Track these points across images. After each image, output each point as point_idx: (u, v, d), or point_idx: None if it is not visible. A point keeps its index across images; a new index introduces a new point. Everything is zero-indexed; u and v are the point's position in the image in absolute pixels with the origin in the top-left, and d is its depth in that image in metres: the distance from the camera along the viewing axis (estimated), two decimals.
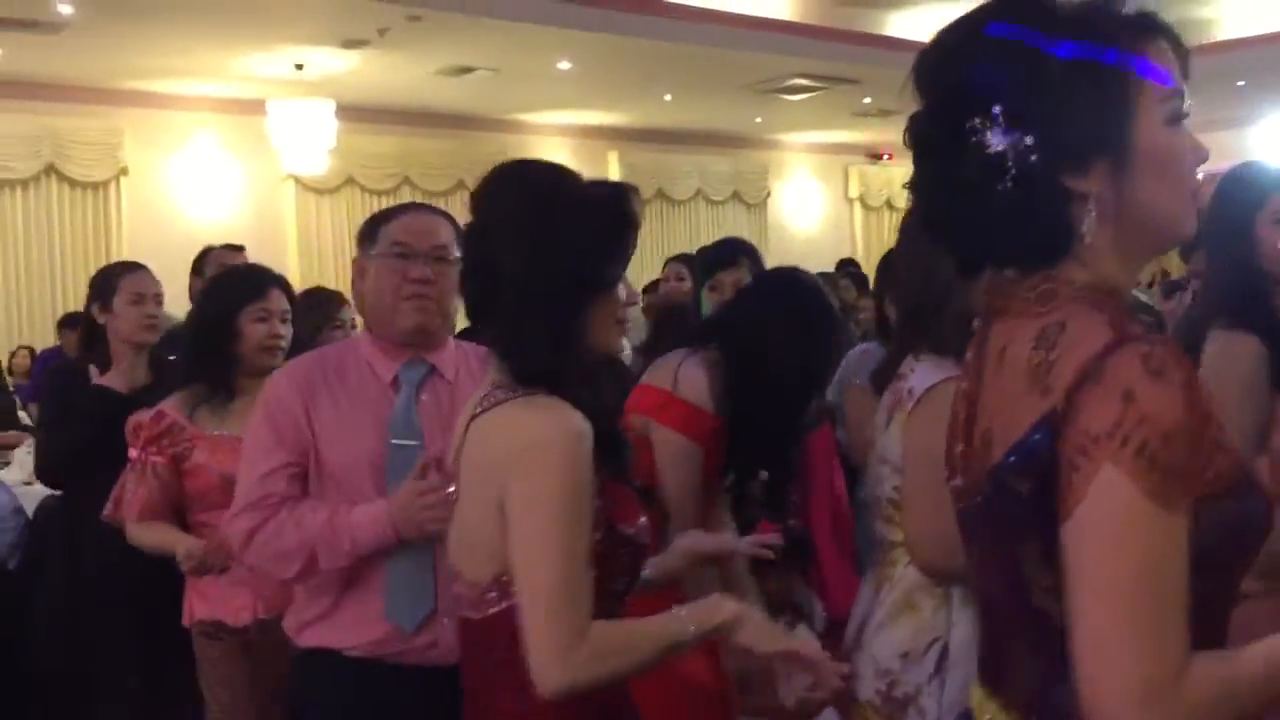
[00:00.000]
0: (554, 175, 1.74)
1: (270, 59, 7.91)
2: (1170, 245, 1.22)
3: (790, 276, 2.65)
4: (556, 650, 1.52)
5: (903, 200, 12.72)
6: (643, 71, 8.99)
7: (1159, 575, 1.03)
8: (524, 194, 1.70)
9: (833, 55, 9.21)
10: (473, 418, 1.64)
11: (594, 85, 9.36)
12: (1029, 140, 1.11)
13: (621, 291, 1.72)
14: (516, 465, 1.56)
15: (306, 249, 9.51)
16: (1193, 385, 1.05)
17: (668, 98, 10.14)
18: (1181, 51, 1.18)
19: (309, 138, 8.10)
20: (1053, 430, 1.08)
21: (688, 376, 2.41)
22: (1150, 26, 1.17)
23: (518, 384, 1.62)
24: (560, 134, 11.14)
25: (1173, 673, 1.02)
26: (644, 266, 11.10)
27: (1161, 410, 1.04)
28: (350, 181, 9.70)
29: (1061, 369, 1.09)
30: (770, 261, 3.22)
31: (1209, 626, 1.08)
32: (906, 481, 2.08)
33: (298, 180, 9.31)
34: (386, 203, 9.94)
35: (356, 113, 8.99)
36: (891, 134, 12.17)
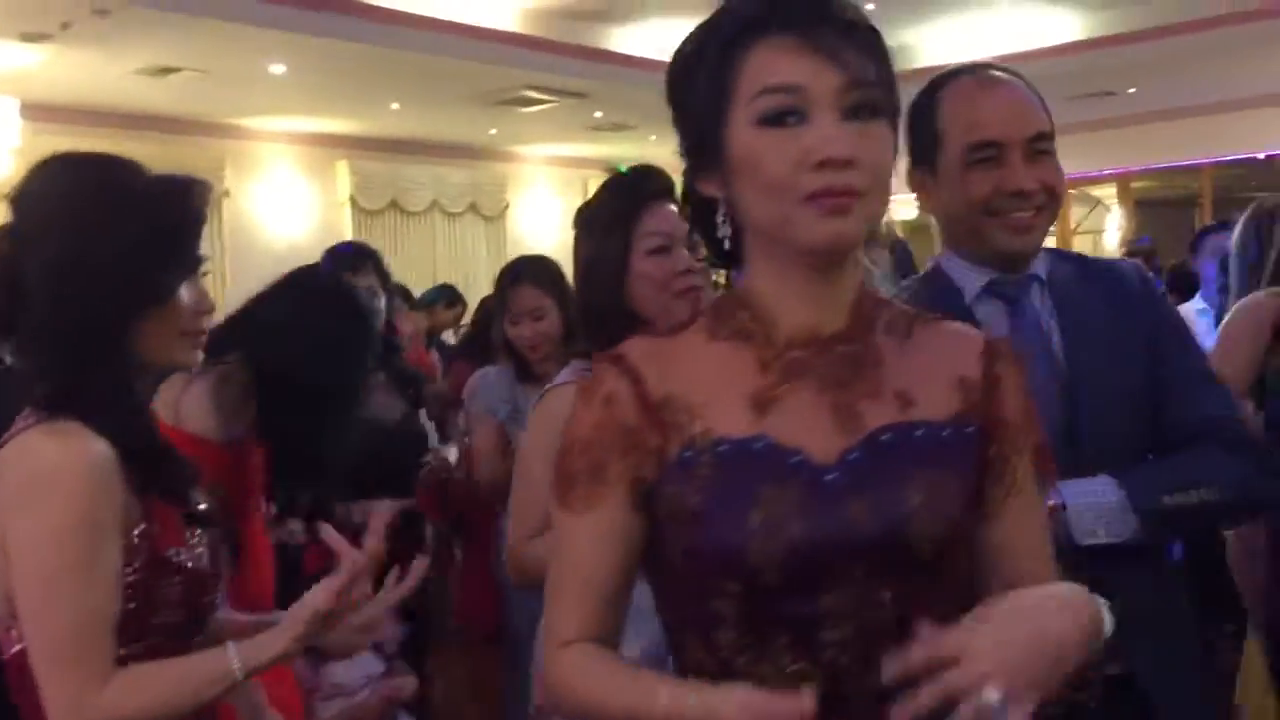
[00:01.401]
0: (100, 169, 1.55)
1: None
2: (805, 255, 1.09)
3: (319, 279, 2.47)
4: (69, 701, 1.39)
5: None
6: (364, 78, 8.72)
7: (562, 563, 1.17)
8: (62, 191, 1.52)
9: (559, 69, 9.19)
10: None
11: (313, 91, 9.02)
12: (683, 145, 1.15)
13: (184, 298, 1.56)
14: (18, 500, 1.41)
15: None
16: (610, 402, 1.11)
17: (395, 106, 9.89)
18: (819, 40, 1.05)
19: None
20: None
21: (190, 406, 2.12)
22: (764, 17, 1.07)
23: (40, 409, 1.46)
24: (285, 140, 10.70)
25: None
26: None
27: (572, 426, 1.13)
28: None
29: None
30: None
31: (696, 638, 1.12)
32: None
33: None
34: None
35: (47, 112, 8.33)
36: (627, 148, 12.34)
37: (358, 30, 7.78)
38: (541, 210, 13.38)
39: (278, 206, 10.66)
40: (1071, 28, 10.08)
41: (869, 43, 1.08)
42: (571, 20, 9.33)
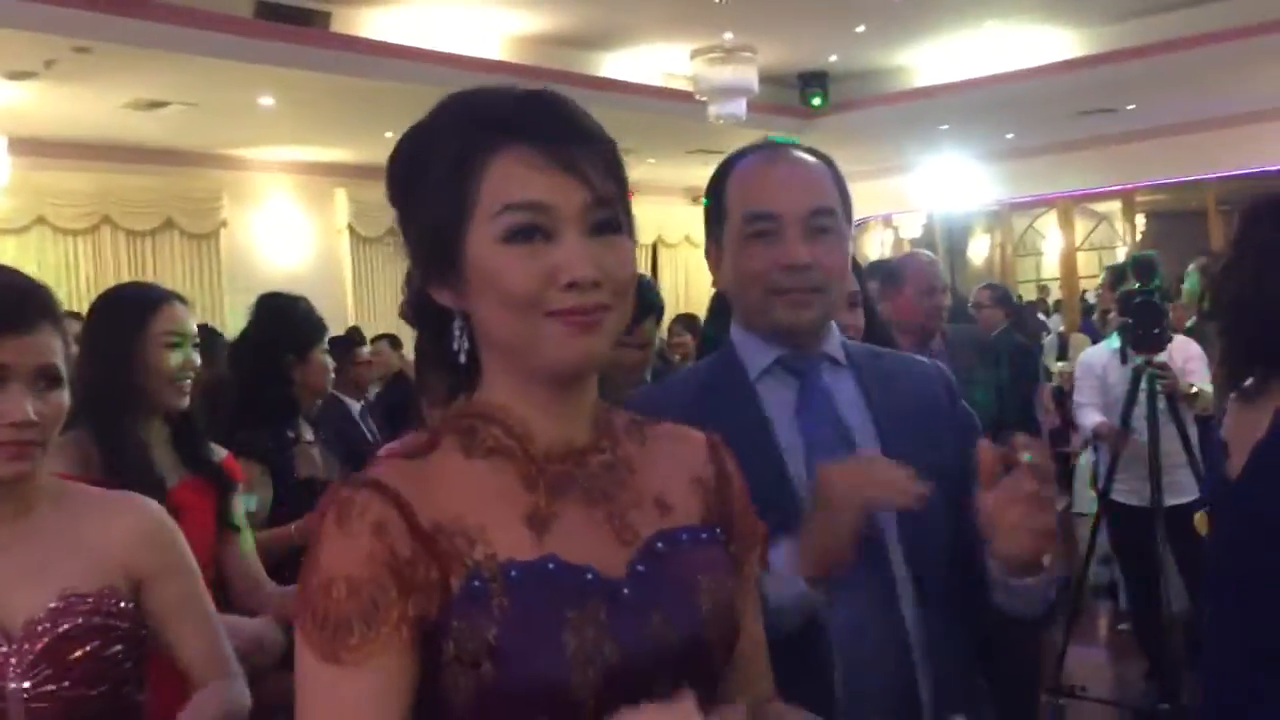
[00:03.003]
0: None
1: None
2: (552, 372, 1.03)
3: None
4: None
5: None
6: (353, 109, 8.72)
7: None
8: None
9: None
10: None
11: (304, 121, 9.04)
12: (406, 249, 1.08)
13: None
14: None
15: None
16: (381, 533, 0.96)
17: (389, 135, 9.79)
18: (564, 155, 1.00)
19: None
20: None
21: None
22: (505, 125, 1.02)
23: None
24: (282, 170, 10.74)
25: None
26: (373, 311, 10.90)
27: (329, 559, 0.97)
28: (40, 220, 9.04)
29: None
30: None
31: None
32: None
33: None
34: (84, 243, 9.34)
35: (37, 147, 8.42)
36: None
37: (340, 63, 7.80)
38: None
39: (276, 236, 10.69)
40: (1062, 45, 10.01)
41: (610, 157, 1.05)
42: (559, 46, 9.34)
